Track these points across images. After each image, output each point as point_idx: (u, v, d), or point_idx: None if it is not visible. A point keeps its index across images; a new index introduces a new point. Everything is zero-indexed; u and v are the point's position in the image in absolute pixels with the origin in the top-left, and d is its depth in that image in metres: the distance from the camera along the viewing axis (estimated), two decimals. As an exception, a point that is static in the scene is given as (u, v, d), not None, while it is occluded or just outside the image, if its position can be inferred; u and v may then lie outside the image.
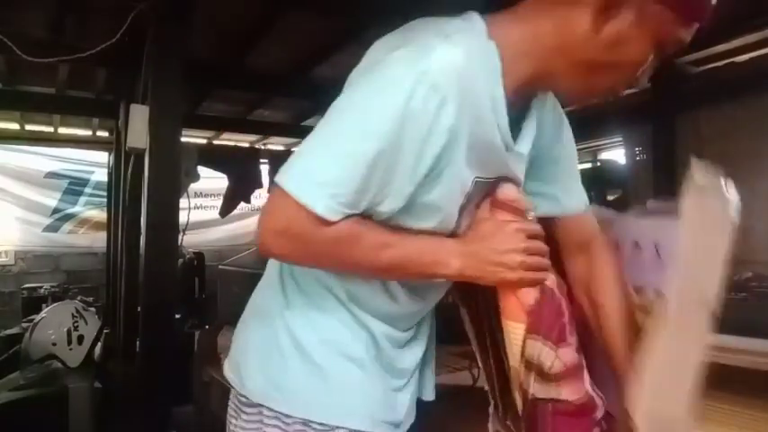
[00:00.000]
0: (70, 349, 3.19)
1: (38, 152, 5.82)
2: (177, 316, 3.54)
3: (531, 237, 0.81)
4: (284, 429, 0.82)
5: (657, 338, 0.79)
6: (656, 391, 0.80)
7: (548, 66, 0.77)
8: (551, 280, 0.84)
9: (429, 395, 1.01)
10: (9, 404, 2.70)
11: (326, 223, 0.70)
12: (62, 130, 5.30)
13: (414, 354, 0.95)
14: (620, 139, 4.25)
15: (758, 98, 3.13)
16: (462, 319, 1.03)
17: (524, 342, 0.81)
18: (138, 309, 2.54)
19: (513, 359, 0.84)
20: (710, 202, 0.79)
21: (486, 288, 0.87)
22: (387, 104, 0.69)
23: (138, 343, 2.45)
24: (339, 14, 2.63)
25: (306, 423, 0.81)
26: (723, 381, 1.24)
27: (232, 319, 2.40)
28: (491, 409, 1.01)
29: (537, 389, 0.81)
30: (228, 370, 0.93)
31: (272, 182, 0.80)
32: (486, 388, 1.01)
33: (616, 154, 5.33)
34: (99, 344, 3.39)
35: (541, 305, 0.81)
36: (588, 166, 5.83)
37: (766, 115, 3.13)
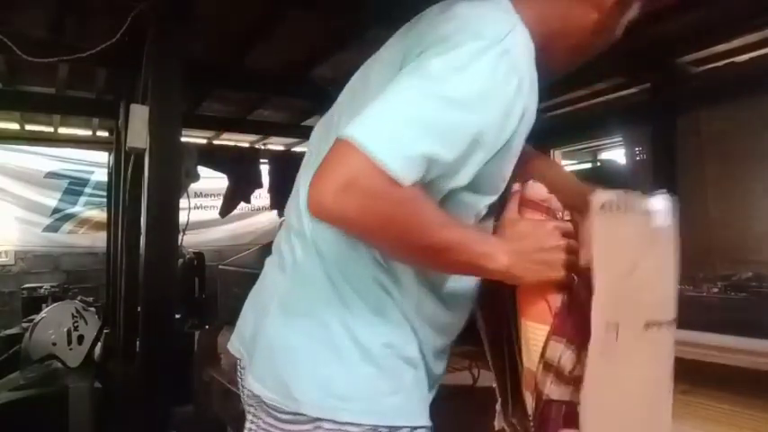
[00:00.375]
0: (70, 349, 3.19)
1: (38, 152, 5.82)
2: (177, 316, 3.54)
3: (567, 236, 0.81)
4: None
5: (597, 367, 0.76)
6: (606, 420, 0.78)
7: (547, 45, 0.84)
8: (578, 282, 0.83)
9: None
10: (9, 404, 2.70)
11: (396, 185, 0.67)
12: (62, 130, 5.30)
13: (445, 363, 0.96)
14: (620, 139, 4.25)
15: (758, 98, 3.13)
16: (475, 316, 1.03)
17: (546, 343, 0.80)
18: (138, 309, 2.54)
19: (529, 360, 0.83)
20: (623, 221, 0.77)
21: (504, 287, 0.86)
22: (474, 78, 0.71)
23: (138, 343, 2.45)
24: (339, 14, 2.63)
25: (375, 429, 0.79)
26: (723, 381, 1.24)
27: (232, 319, 2.39)
28: (498, 407, 1.00)
29: (553, 390, 0.80)
30: (262, 387, 0.84)
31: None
32: (494, 385, 1.00)
33: (616, 154, 5.34)
34: (99, 344, 3.39)
35: (569, 308, 0.80)
36: (588, 166, 5.84)
37: (766, 115, 3.13)
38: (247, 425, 0.91)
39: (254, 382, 0.86)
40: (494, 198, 0.86)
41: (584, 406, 0.76)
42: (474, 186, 0.79)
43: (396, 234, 0.72)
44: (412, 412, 0.83)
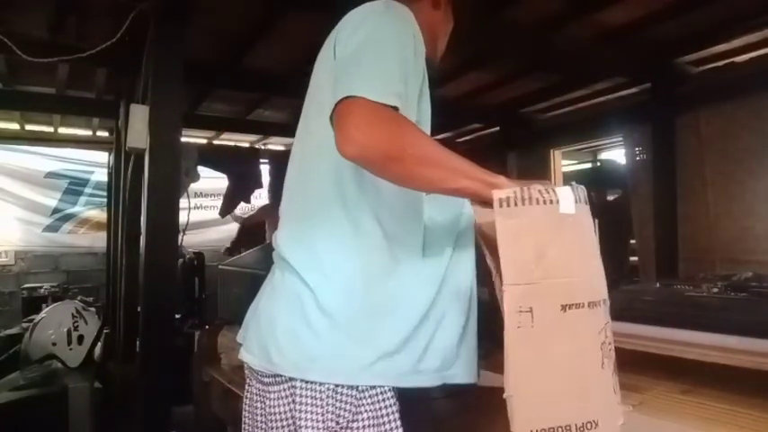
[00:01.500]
0: (70, 349, 3.19)
1: (38, 152, 5.83)
2: (177, 316, 3.54)
3: None
4: (318, 397, 0.89)
5: (520, 353, 0.78)
6: (535, 402, 0.79)
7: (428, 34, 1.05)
8: None
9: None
10: (9, 404, 2.70)
11: (402, 116, 0.84)
12: (62, 130, 5.30)
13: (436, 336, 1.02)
14: (620, 139, 4.25)
15: (758, 98, 3.13)
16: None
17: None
18: (138, 309, 2.55)
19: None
20: (524, 212, 0.79)
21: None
22: (405, 31, 0.94)
23: (138, 343, 2.45)
24: (339, 14, 2.63)
25: (338, 387, 0.89)
26: (723, 381, 1.24)
27: (232, 319, 2.38)
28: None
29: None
30: (249, 354, 0.98)
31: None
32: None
33: (616, 154, 5.34)
34: (99, 344, 3.39)
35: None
36: (588, 166, 5.85)
37: (766, 115, 3.13)
38: (246, 393, 1.05)
39: (244, 353, 1.01)
40: None
41: (509, 393, 0.78)
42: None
43: (420, 148, 0.84)
44: (374, 374, 0.91)
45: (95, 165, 6.06)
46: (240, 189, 5.20)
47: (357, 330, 0.91)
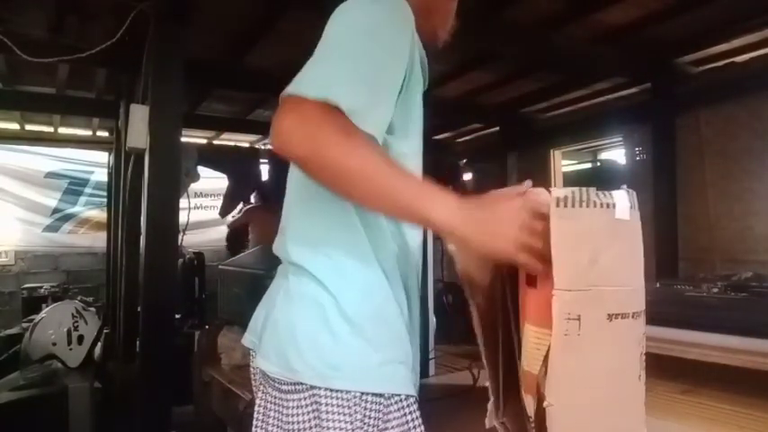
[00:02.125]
0: (70, 349, 3.19)
1: (38, 152, 5.83)
2: (177, 316, 3.54)
3: (537, 218, 0.78)
4: (345, 405, 0.86)
5: (564, 361, 0.76)
6: (575, 414, 0.77)
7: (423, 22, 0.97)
8: None
9: None
10: (9, 404, 2.70)
11: (342, 116, 0.77)
12: (62, 130, 5.30)
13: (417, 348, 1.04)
14: (620, 139, 4.25)
15: (758, 98, 3.13)
16: (471, 314, 1.04)
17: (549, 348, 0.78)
18: (138, 309, 2.54)
19: (530, 364, 0.82)
20: (581, 215, 0.76)
21: (509, 289, 0.87)
22: (391, 25, 0.88)
23: (138, 343, 2.45)
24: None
25: (363, 395, 0.87)
26: (723, 381, 1.24)
27: (232, 319, 2.38)
28: (490, 405, 1.01)
29: None
30: (266, 361, 0.94)
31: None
32: (488, 384, 1.01)
33: (616, 154, 5.34)
34: (99, 344, 3.39)
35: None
36: (588, 166, 5.84)
37: (766, 115, 3.13)
38: (257, 401, 0.99)
39: (260, 360, 0.96)
40: (409, 144, 0.95)
41: (550, 402, 0.76)
42: (398, 128, 0.91)
43: (340, 162, 0.78)
44: (399, 382, 0.91)
45: (95, 165, 6.05)
46: (240, 189, 5.20)
47: (379, 337, 0.90)
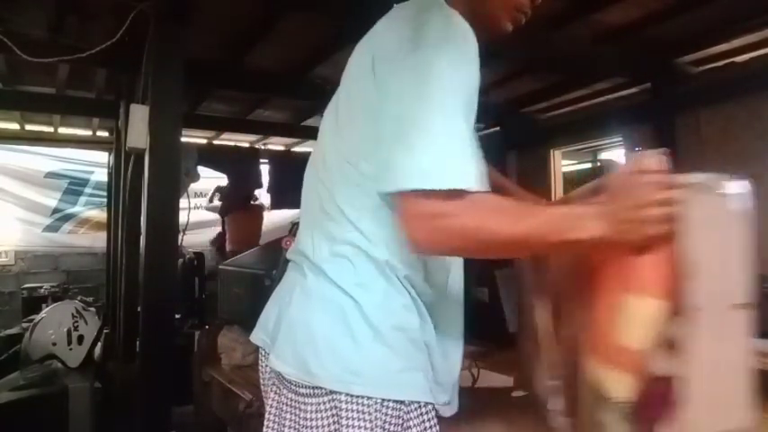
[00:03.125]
0: (70, 349, 3.19)
1: (38, 152, 5.82)
2: (177, 316, 3.54)
3: (664, 188, 0.78)
4: (366, 411, 0.86)
5: (696, 349, 0.76)
6: (706, 405, 0.77)
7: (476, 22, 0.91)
8: None
9: None
10: (9, 404, 2.70)
11: (457, 197, 0.76)
12: (62, 130, 5.30)
13: (455, 366, 1.05)
14: (620, 139, 4.25)
15: (758, 98, 3.13)
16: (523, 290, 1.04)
17: (659, 317, 0.77)
18: (138, 309, 2.54)
19: (632, 337, 0.79)
20: (708, 201, 0.77)
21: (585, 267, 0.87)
22: (471, 75, 0.83)
23: (138, 343, 2.44)
24: (339, 14, 2.63)
25: (384, 402, 0.87)
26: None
27: (232, 318, 2.38)
28: (553, 405, 1.00)
29: (662, 366, 0.77)
30: (283, 363, 0.92)
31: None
32: (545, 384, 1.00)
33: (616, 154, 5.33)
34: (99, 344, 3.39)
35: (675, 279, 0.77)
36: (588, 166, 5.84)
37: (766, 115, 3.13)
38: (270, 401, 0.99)
39: (275, 361, 0.94)
40: None
41: (685, 396, 0.76)
42: None
43: (484, 241, 0.80)
44: (419, 390, 0.90)
45: (95, 165, 6.05)
46: (240, 189, 5.20)
47: (399, 343, 0.90)
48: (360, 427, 0.85)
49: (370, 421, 0.85)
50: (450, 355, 1.01)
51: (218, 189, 5.28)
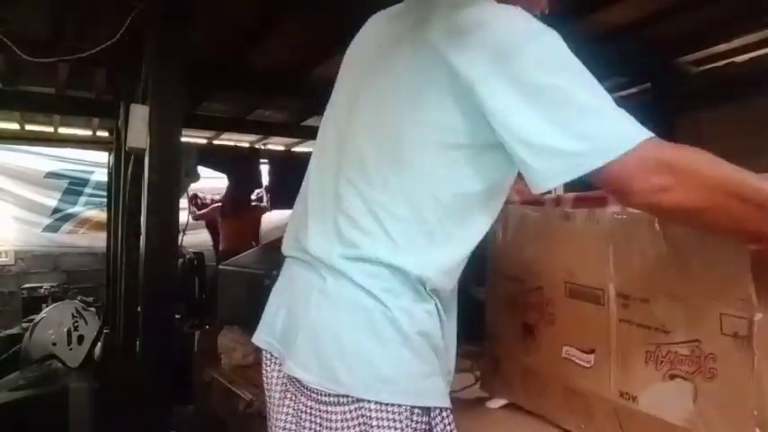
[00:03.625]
0: (70, 349, 3.20)
1: (38, 152, 5.82)
2: (177, 316, 3.54)
3: None
4: (396, 419, 0.84)
5: None
6: None
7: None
8: None
9: None
10: (9, 404, 2.70)
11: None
12: (62, 130, 5.30)
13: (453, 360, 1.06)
14: (620, 139, 4.24)
15: (758, 98, 3.13)
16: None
17: None
18: (138, 309, 2.54)
19: None
20: None
21: None
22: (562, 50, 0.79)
23: (138, 343, 2.44)
24: (339, 14, 2.63)
25: (412, 409, 0.85)
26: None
27: (232, 319, 2.38)
28: None
29: None
30: (305, 372, 0.88)
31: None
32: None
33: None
34: (99, 344, 3.39)
35: None
36: (588, 166, 5.84)
37: (766, 115, 3.13)
38: (286, 408, 0.95)
39: (296, 369, 0.90)
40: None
41: None
42: None
43: (729, 190, 0.82)
44: (441, 395, 0.90)
45: (95, 165, 6.05)
46: (240, 189, 5.20)
47: (423, 349, 0.88)
48: (388, 428, 0.83)
49: (401, 429, 0.84)
50: (451, 350, 1.02)
51: (195, 197, 5.25)
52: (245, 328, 2.08)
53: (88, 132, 5.36)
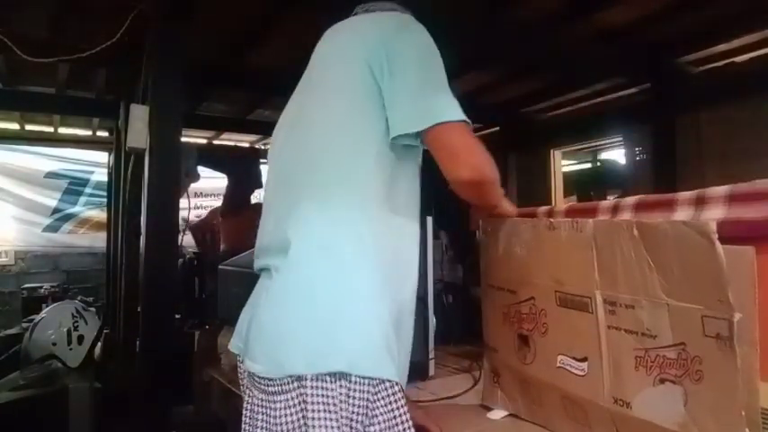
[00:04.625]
0: (70, 349, 3.19)
1: (38, 152, 5.82)
2: (177, 316, 3.53)
3: None
4: (329, 390, 0.89)
5: None
6: None
7: None
8: None
9: None
10: (9, 404, 2.70)
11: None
12: (62, 130, 5.30)
13: (408, 347, 1.11)
14: (620, 139, 4.25)
15: (758, 98, 3.13)
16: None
17: None
18: (138, 309, 2.54)
19: None
20: None
21: None
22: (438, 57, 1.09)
23: (138, 343, 2.44)
24: (339, 14, 2.63)
25: (347, 376, 0.89)
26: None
27: (232, 319, 2.38)
28: None
29: None
30: (255, 363, 0.95)
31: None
32: None
33: (616, 154, 5.34)
34: (99, 344, 3.39)
35: None
36: (588, 166, 5.84)
37: (766, 115, 3.13)
38: (244, 404, 1.04)
39: (249, 363, 0.98)
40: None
41: None
42: None
43: (487, 173, 1.04)
44: (382, 366, 0.92)
45: (95, 165, 6.05)
46: (240, 189, 5.20)
47: (369, 324, 0.94)
48: (323, 404, 0.87)
49: (333, 398, 0.87)
50: (408, 331, 1.06)
51: (189, 226, 5.18)
52: (245, 328, 2.08)
53: (88, 132, 5.35)
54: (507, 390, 1.39)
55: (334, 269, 0.94)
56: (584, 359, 1.14)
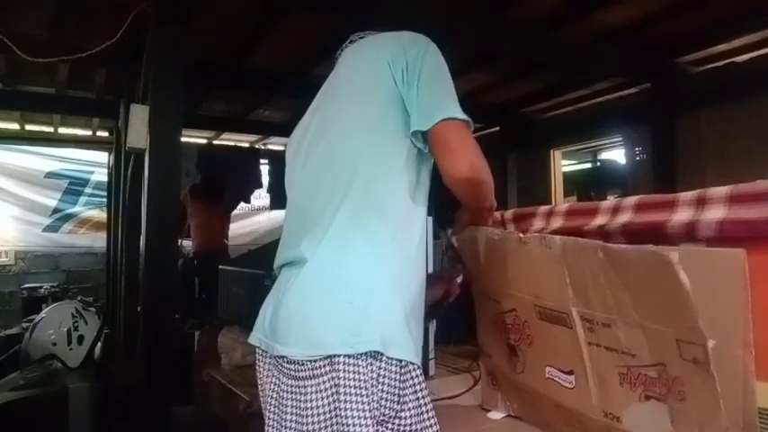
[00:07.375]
0: (70, 349, 3.19)
1: (38, 152, 5.83)
2: (177, 316, 3.54)
3: None
4: (362, 370, 0.90)
5: None
6: None
7: None
8: None
9: None
10: (9, 404, 2.70)
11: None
12: (62, 130, 5.30)
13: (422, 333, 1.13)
14: (620, 139, 4.25)
15: (758, 98, 3.13)
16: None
17: None
18: (138, 309, 2.54)
19: None
20: None
21: None
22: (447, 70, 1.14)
23: (138, 343, 2.45)
24: (339, 14, 2.63)
25: (377, 355, 0.91)
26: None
27: (232, 318, 2.38)
28: None
29: None
30: (288, 347, 0.97)
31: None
32: None
33: (616, 154, 5.34)
34: (99, 344, 3.39)
35: None
36: (588, 166, 5.84)
37: (766, 115, 3.13)
38: (270, 397, 1.02)
39: (280, 348, 0.98)
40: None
41: None
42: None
43: (483, 170, 1.06)
44: (408, 350, 0.94)
45: (95, 165, 6.05)
46: (240, 189, 5.20)
47: (396, 305, 0.96)
48: (355, 386, 0.88)
49: (365, 381, 0.88)
50: (420, 318, 1.07)
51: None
52: (245, 328, 2.08)
53: (88, 132, 5.36)
54: (505, 393, 1.39)
55: (367, 256, 0.97)
56: (570, 372, 1.12)
